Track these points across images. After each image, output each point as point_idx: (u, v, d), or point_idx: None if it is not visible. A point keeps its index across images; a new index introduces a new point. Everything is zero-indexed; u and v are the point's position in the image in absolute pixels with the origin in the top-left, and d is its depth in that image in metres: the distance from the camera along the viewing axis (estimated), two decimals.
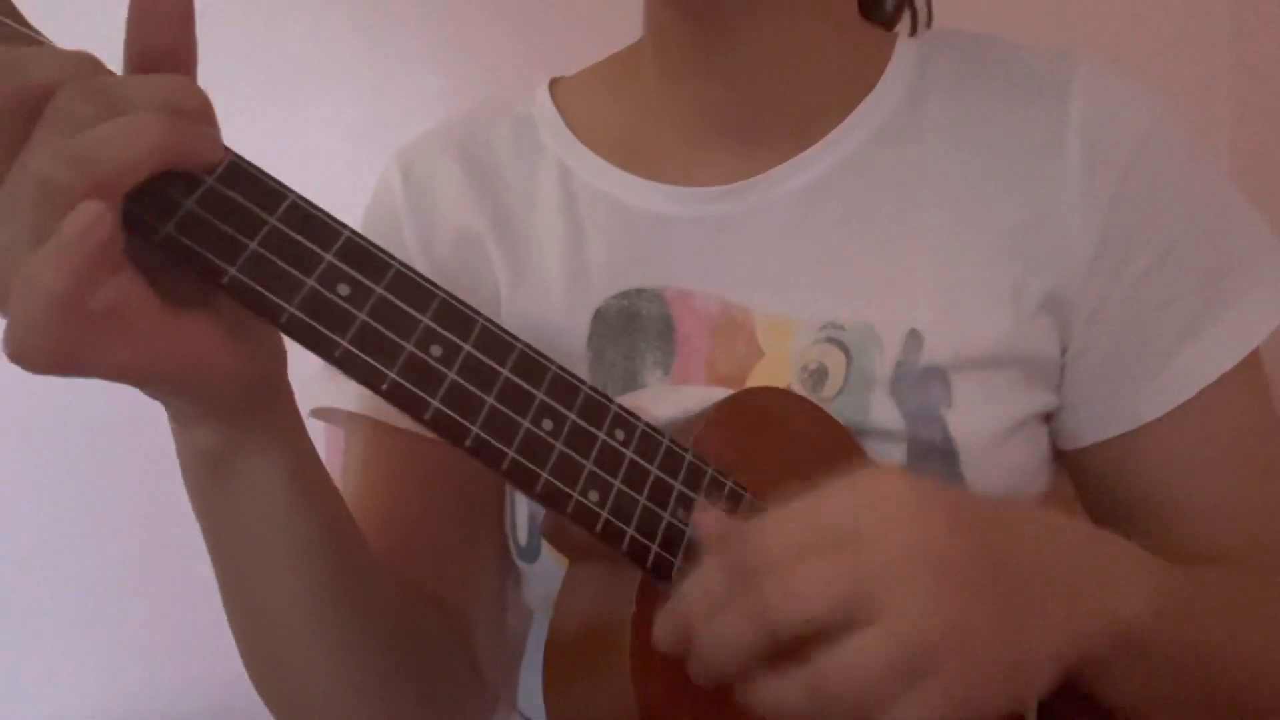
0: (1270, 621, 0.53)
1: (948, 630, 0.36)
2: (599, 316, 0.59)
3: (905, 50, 0.62)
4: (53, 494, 1.19)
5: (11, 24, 0.36)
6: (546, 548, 0.57)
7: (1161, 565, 0.47)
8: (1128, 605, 0.44)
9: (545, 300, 0.60)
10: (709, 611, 0.38)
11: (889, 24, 0.72)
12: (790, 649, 0.37)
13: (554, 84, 0.68)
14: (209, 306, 0.39)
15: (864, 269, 0.57)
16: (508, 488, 0.61)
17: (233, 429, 0.44)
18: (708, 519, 0.41)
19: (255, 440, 0.44)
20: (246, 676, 0.54)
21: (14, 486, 1.18)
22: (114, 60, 0.37)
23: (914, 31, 0.71)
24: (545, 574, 0.58)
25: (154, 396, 0.42)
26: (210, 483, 0.46)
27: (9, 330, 0.33)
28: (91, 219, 0.32)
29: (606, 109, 0.65)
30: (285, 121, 0.85)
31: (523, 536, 0.59)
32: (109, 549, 1.20)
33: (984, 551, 0.39)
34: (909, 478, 0.39)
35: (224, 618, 0.52)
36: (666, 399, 0.56)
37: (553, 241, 0.61)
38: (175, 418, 0.44)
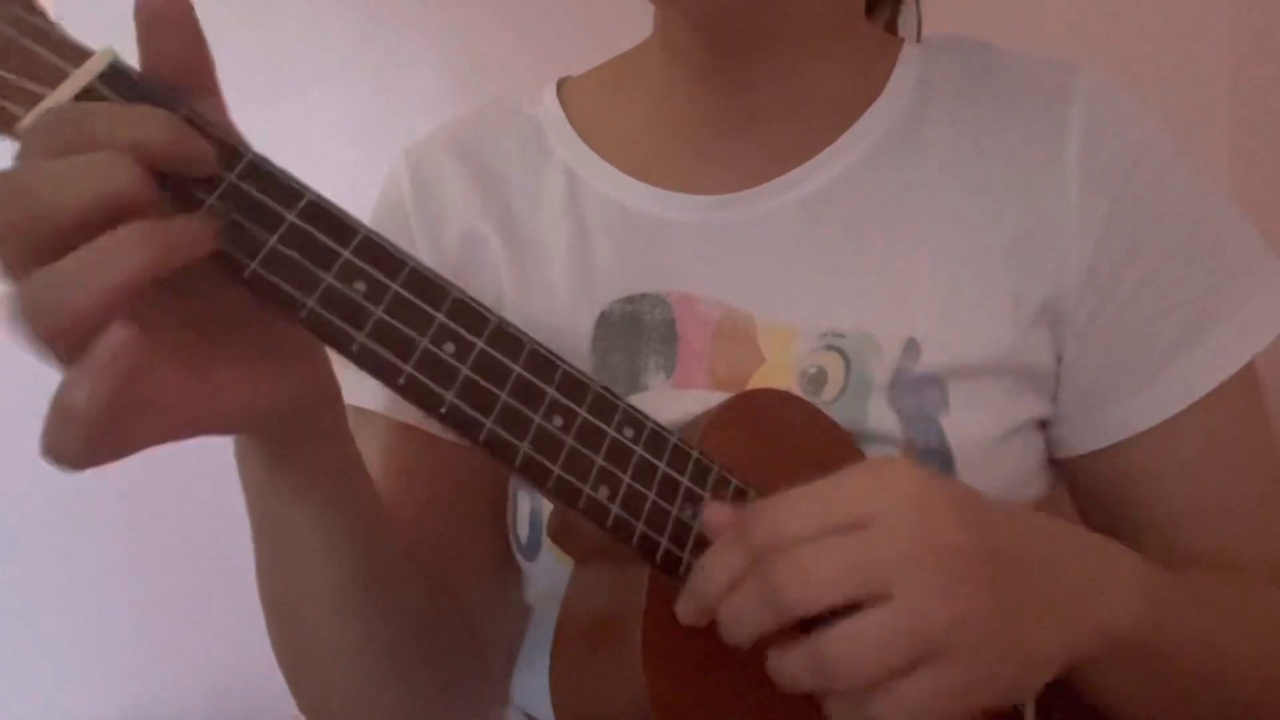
0: (1262, 630, 0.54)
1: (953, 621, 0.38)
2: (603, 320, 0.59)
3: (909, 58, 0.62)
4: (55, 493, 1.18)
5: (28, 16, 0.36)
6: (547, 545, 0.58)
7: (1155, 572, 0.48)
8: (1122, 612, 0.45)
9: (550, 303, 0.61)
10: (726, 589, 0.40)
11: (890, 25, 0.72)
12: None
13: (561, 85, 0.68)
14: (231, 339, 0.39)
15: (865, 278, 0.58)
16: (510, 484, 0.62)
17: (284, 440, 0.45)
18: (720, 512, 0.42)
19: (307, 445, 0.46)
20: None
21: (14, 485, 1.17)
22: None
23: (918, 35, 0.71)
24: (546, 571, 0.59)
25: None
26: (265, 476, 0.47)
27: (44, 438, 0.33)
28: (118, 345, 0.32)
29: (613, 112, 0.65)
30: (285, 121, 0.85)
31: (523, 533, 0.60)
32: (111, 549, 1.20)
33: (992, 548, 0.40)
34: (920, 469, 0.41)
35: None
36: (668, 402, 0.56)
37: (558, 244, 0.62)
38: None
